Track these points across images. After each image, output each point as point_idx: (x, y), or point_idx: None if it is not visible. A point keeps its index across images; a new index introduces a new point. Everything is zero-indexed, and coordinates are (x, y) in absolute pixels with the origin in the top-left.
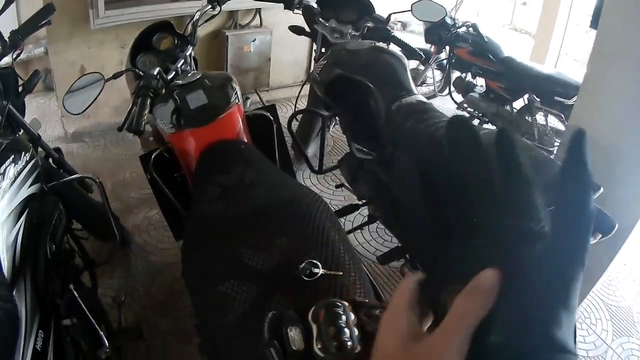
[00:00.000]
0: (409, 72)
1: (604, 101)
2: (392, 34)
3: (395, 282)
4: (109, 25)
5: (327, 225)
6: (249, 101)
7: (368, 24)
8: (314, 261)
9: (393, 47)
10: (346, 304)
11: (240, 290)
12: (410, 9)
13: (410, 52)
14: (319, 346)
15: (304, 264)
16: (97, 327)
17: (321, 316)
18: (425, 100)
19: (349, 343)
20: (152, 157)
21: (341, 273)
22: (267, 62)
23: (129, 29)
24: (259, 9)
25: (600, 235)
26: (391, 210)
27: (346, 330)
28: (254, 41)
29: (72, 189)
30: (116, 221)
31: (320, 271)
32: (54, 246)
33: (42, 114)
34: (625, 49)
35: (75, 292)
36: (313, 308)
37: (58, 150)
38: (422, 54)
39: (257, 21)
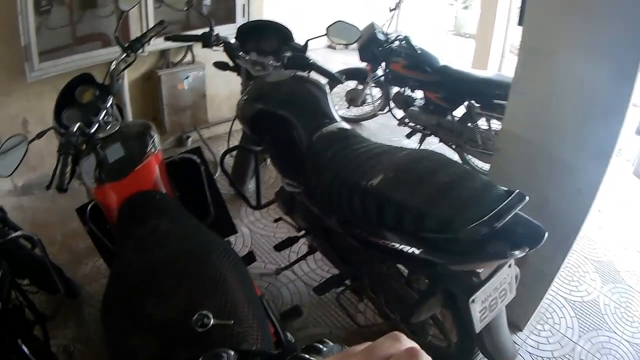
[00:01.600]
0: (329, 99)
1: (535, 98)
2: (311, 62)
3: (331, 311)
4: (45, 76)
5: (227, 274)
6: (190, 140)
7: (287, 54)
8: (205, 312)
9: (315, 75)
10: (231, 352)
11: (146, 344)
12: (325, 32)
13: (330, 77)
14: None
15: (196, 315)
16: None
17: None
18: (347, 127)
19: None
20: (89, 208)
21: (232, 322)
22: (203, 98)
23: (65, 79)
24: (190, 45)
25: (527, 249)
26: (326, 240)
27: None
28: (186, 78)
29: (16, 245)
30: (59, 273)
31: (212, 321)
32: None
33: None
34: (552, 44)
35: (24, 347)
36: (200, 359)
37: (1, 209)
38: (341, 78)
39: (189, 57)
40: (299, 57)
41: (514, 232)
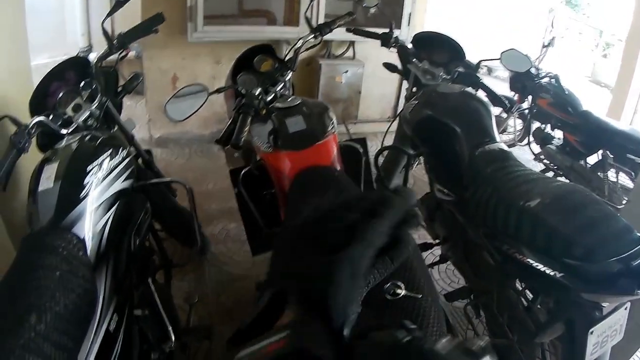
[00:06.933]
0: (493, 119)
1: None
2: (481, 81)
3: (458, 319)
4: (207, 39)
5: (410, 254)
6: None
7: (459, 69)
8: (398, 282)
9: (480, 93)
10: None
11: None
12: (499, 57)
13: (496, 99)
14: None
15: (388, 284)
16: (166, 321)
17: None
18: (506, 149)
19: None
20: (242, 172)
21: (420, 296)
22: (357, 94)
23: (225, 46)
24: (353, 41)
25: None
26: (463, 251)
27: None
28: (345, 72)
29: (160, 190)
30: (199, 228)
31: (403, 292)
32: (137, 241)
33: (128, 116)
34: None
35: (151, 286)
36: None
37: (149, 152)
38: (507, 103)
39: (350, 53)
40: (470, 75)
41: None
